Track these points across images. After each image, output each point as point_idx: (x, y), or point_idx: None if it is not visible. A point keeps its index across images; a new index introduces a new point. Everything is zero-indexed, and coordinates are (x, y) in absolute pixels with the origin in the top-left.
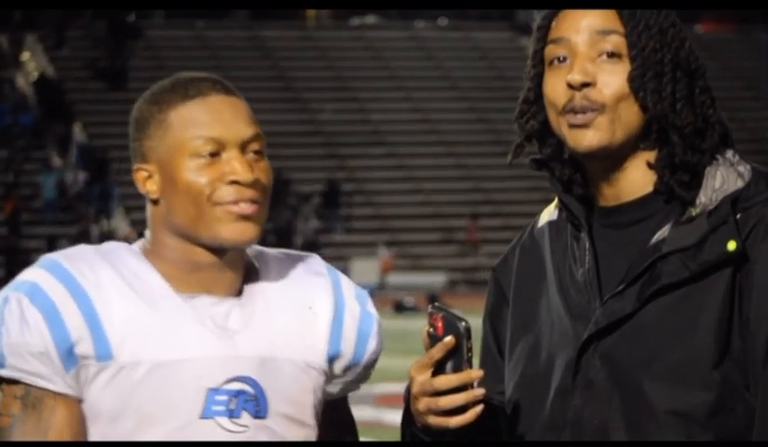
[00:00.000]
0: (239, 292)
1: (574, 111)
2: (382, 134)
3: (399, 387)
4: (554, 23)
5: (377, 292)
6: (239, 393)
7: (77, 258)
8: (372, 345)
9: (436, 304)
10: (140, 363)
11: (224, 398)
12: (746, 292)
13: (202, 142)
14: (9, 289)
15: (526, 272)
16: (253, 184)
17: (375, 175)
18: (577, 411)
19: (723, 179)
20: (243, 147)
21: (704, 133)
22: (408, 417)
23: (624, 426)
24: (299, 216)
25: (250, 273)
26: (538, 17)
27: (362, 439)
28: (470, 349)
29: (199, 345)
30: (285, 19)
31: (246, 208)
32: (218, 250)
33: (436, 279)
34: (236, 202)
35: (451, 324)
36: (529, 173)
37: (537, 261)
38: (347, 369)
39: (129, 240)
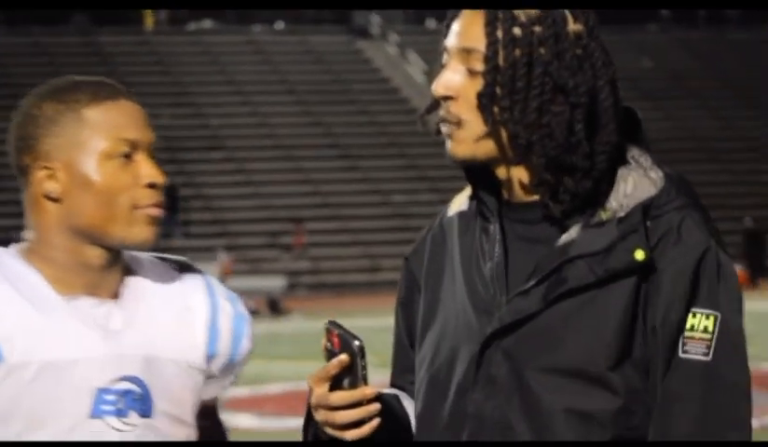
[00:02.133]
0: (117, 295)
1: (443, 121)
2: (220, 139)
3: (243, 390)
4: (451, 27)
5: None
6: (126, 392)
7: None
8: (245, 344)
9: (331, 320)
10: (29, 364)
11: (112, 397)
12: (652, 299)
13: (118, 143)
14: None
15: (435, 261)
16: (162, 187)
17: (213, 180)
18: (478, 405)
19: (635, 184)
20: (150, 151)
21: (573, 150)
22: (309, 419)
23: (524, 422)
24: None
25: (126, 275)
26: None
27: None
28: (364, 366)
29: (86, 346)
30: (123, 24)
31: (158, 211)
32: (112, 253)
33: (276, 283)
34: (152, 205)
35: (346, 342)
36: (367, 176)
37: (446, 250)
38: (222, 369)
39: None
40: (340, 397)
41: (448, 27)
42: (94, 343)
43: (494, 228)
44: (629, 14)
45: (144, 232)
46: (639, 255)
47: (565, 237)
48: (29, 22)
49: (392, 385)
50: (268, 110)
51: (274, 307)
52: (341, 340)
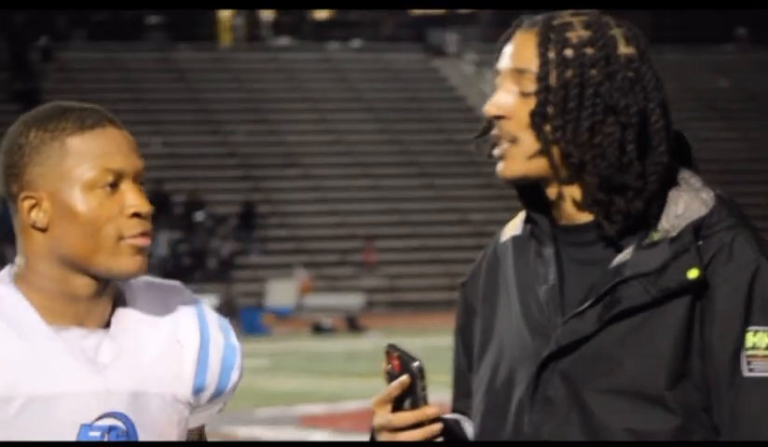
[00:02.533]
0: (107, 323)
1: (495, 142)
2: (296, 156)
3: (320, 408)
4: (503, 50)
5: (295, 314)
6: (111, 428)
7: None
8: (234, 376)
9: (391, 344)
10: (14, 398)
11: (97, 434)
12: (707, 318)
13: (103, 173)
14: None
15: (491, 287)
16: (149, 216)
17: (290, 197)
18: (536, 426)
19: (686, 205)
20: (136, 179)
21: (625, 170)
22: (373, 443)
23: (584, 443)
24: (215, 238)
25: (117, 302)
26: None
27: None
28: (424, 388)
29: (73, 380)
30: (199, 40)
31: (145, 241)
32: (100, 282)
33: (354, 301)
34: (138, 236)
35: (405, 363)
36: (443, 194)
37: (500, 275)
38: (209, 400)
39: None
40: (402, 418)
41: (500, 50)
42: (82, 377)
43: (548, 251)
44: (706, 34)
45: (130, 262)
46: (692, 274)
47: (618, 259)
48: (106, 38)
49: (454, 409)
50: (344, 127)
51: (352, 325)
52: (401, 362)
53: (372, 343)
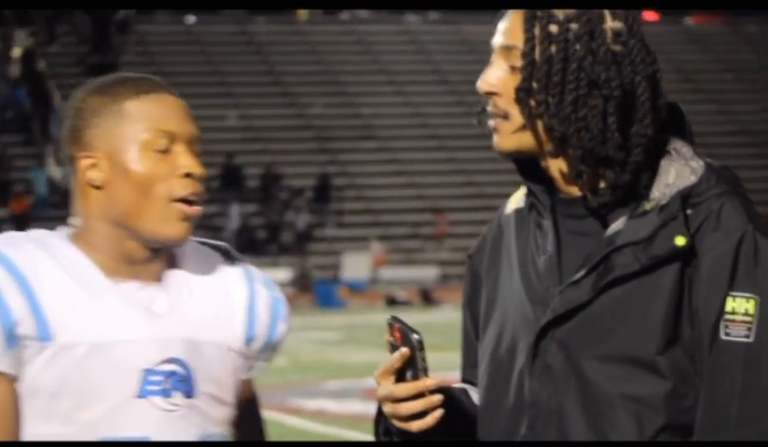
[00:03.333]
0: (160, 279)
1: (490, 115)
2: (373, 128)
3: None
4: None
5: (369, 287)
6: (171, 374)
7: (13, 244)
8: (282, 327)
9: (393, 315)
10: (78, 344)
11: (158, 378)
12: (695, 284)
13: (157, 135)
14: None
15: (494, 258)
16: (201, 179)
17: (366, 169)
18: (535, 394)
19: (677, 174)
20: (190, 144)
21: (608, 142)
22: (380, 414)
23: (579, 409)
24: (290, 211)
25: (169, 260)
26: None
27: (350, 432)
28: (424, 359)
29: (133, 328)
30: (276, 13)
31: (192, 209)
32: (153, 242)
33: (428, 273)
34: (187, 199)
35: (406, 336)
36: None
37: (503, 247)
38: (260, 350)
39: None
40: (403, 388)
41: (496, 27)
42: (140, 325)
43: (547, 223)
44: None
45: (176, 228)
46: (680, 241)
47: (612, 228)
48: (183, 11)
49: (462, 380)
50: (421, 100)
51: (426, 298)
52: (402, 334)
53: (445, 316)
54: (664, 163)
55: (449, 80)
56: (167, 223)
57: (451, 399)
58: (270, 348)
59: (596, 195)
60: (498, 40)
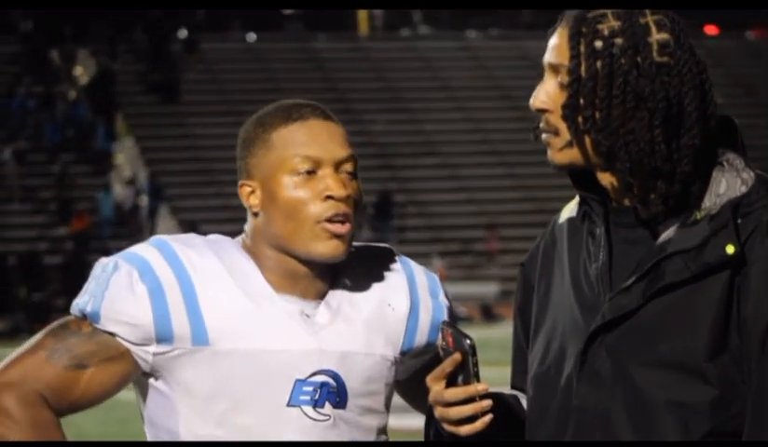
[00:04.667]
0: (324, 292)
1: (543, 131)
2: (434, 145)
3: None
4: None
5: None
6: (323, 385)
7: (187, 244)
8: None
9: (446, 321)
10: (235, 351)
11: (309, 389)
12: (744, 293)
13: (300, 160)
14: (120, 258)
15: (547, 267)
16: (346, 199)
17: (427, 186)
18: (582, 398)
19: (727, 184)
20: (337, 167)
21: (655, 154)
22: (431, 417)
23: (626, 414)
24: None
25: (333, 271)
26: None
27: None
28: (475, 364)
29: (291, 339)
30: (337, 30)
31: (339, 227)
32: (311, 262)
33: (489, 289)
34: (331, 219)
35: (458, 341)
36: None
37: (556, 255)
38: (419, 350)
39: None
40: (453, 393)
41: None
42: (298, 336)
43: (599, 232)
44: None
45: (326, 246)
46: (730, 250)
47: (663, 237)
48: (244, 28)
49: (512, 386)
50: (482, 116)
51: (487, 314)
52: (454, 339)
53: (506, 331)
54: (715, 173)
55: (510, 96)
56: (317, 242)
57: (501, 404)
58: (428, 349)
59: (646, 205)
60: (547, 58)
